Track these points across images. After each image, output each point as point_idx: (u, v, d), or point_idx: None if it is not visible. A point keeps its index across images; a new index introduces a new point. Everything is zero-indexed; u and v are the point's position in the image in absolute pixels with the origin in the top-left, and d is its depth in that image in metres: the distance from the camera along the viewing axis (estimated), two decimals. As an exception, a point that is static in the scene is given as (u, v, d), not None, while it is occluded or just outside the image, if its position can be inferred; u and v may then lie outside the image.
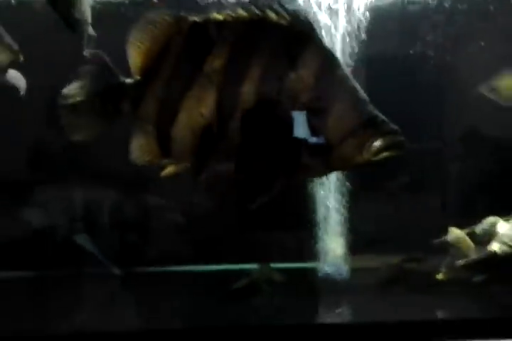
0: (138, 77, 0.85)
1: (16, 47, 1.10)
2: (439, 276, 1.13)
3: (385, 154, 0.79)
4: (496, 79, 1.39)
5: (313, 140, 0.79)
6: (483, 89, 1.36)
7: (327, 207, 1.22)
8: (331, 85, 0.81)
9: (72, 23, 0.99)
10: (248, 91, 0.81)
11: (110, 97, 0.85)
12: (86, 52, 0.91)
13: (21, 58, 1.09)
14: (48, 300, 1.17)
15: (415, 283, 1.18)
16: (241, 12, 0.82)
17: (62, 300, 1.15)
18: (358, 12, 1.22)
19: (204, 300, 1.12)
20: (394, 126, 0.81)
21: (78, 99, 0.86)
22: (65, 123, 0.86)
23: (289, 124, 0.80)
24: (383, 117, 0.81)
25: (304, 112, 0.80)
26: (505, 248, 1.07)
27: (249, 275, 1.11)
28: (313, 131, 0.79)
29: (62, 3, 1.00)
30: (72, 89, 0.86)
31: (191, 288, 1.22)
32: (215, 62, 0.82)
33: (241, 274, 1.12)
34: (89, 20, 1.03)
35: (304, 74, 0.80)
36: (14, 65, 1.09)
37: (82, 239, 1.32)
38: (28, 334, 0.94)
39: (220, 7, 0.86)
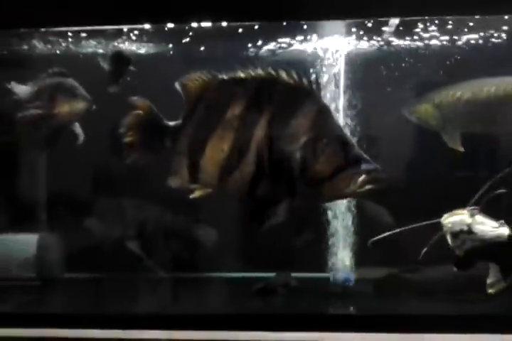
0: (178, 120, 1.08)
1: (89, 97, 1.31)
2: (491, 290, 1.18)
3: (367, 187, 0.98)
4: (417, 103, 1.46)
5: (311, 172, 0.98)
6: (405, 112, 1.44)
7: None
8: (324, 131, 1.01)
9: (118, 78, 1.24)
10: (259, 133, 1.01)
11: (156, 136, 1.09)
12: (134, 100, 1.14)
13: (94, 106, 1.31)
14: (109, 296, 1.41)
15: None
16: (259, 71, 1.04)
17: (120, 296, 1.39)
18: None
19: (230, 298, 1.36)
20: (375, 165, 1.00)
21: (134, 137, 1.11)
22: (125, 154, 1.12)
23: (291, 160, 1.00)
24: (367, 157, 1.01)
25: (304, 151, 0.99)
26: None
27: (268, 280, 1.32)
28: (310, 167, 0.99)
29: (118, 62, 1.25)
30: (130, 129, 1.11)
31: (224, 289, 1.45)
32: (235, 111, 1.04)
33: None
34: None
35: (303, 122, 1.01)
36: (88, 112, 1.31)
37: (133, 246, 1.54)
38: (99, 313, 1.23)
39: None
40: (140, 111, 1.09)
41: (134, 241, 1.54)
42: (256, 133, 1.01)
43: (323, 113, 1.03)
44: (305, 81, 1.01)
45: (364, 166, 0.99)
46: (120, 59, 1.26)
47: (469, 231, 1.13)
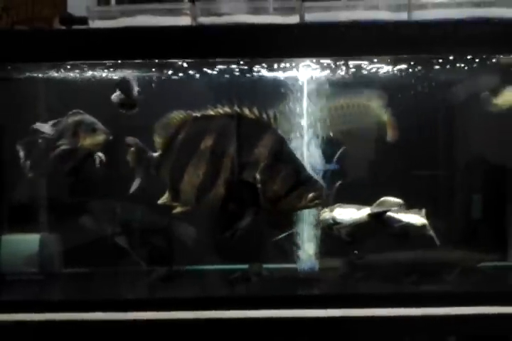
0: (159, 152, 1.30)
1: (107, 130, 1.43)
2: None
3: (316, 202, 1.21)
4: None
5: (269, 191, 1.21)
6: None
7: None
8: (280, 157, 1.22)
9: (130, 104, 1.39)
10: (227, 161, 1.23)
11: (143, 164, 1.31)
12: (128, 139, 1.35)
13: (111, 137, 1.43)
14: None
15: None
16: (226, 109, 1.25)
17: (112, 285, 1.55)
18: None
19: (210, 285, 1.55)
20: (322, 184, 1.23)
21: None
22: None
23: (254, 182, 1.21)
24: (316, 177, 1.24)
25: (263, 175, 1.21)
26: None
27: (243, 271, 1.51)
28: (269, 187, 1.21)
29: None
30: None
31: (204, 278, 1.63)
32: (207, 142, 1.25)
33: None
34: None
35: (262, 151, 1.22)
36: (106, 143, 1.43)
37: (121, 241, 1.69)
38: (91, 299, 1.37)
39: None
40: (133, 149, 1.32)
41: (122, 238, 1.69)
42: (225, 161, 1.24)
43: (279, 142, 1.24)
44: (264, 116, 1.22)
45: (312, 185, 1.21)
46: (126, 86, 1.40)
47: (336, 223, 1.40)
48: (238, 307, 1.28)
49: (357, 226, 1.41)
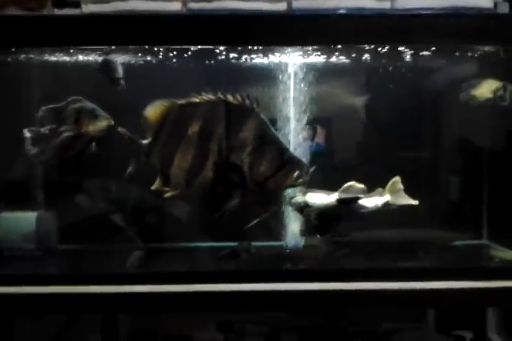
0: (148, 139, 1.35)
1: (108, 116, 1.45)
2: None
3: (300, 180, 1.27)
4: None
5: (256, 173, 1.28)
6: None
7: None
8: (264, 140, 1.28)
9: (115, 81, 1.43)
10: (213, 145, 1.29)
11: (134, 152, 1.36)
12: (120, 130, 1.39)
13: (112, 123, 1.45)
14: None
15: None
16: (210, 96, 1.29)
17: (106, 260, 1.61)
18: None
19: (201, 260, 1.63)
20: (305, 163, 1.29)
21: None
22: None
23: (241, 165, 1.28)
24: (298, 157, 1.30)
25: (250, 157, 1.27)
26: None
27: (233, 248, 1.58)
28: (256, 169, 1.28)
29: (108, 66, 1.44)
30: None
31: (194, 255, 1.70)
32: (193, 129, 1.30)
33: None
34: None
35: (247, 135, 1.28)
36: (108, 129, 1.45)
37: (117, 218, 1.74)
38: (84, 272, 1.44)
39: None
40: (126, 137, 1.37)
41: (117, 216, 1.74)
42: (212, 146, 1.29)
43: (263, 126, 1.29)
44: (247, 101, 1.27)
45: (296, 164, 1.27)
46: (108, 66, 1.44)
47: (307, 206, 1.47)
48: (228, 281, 1.35)
49: (325, 211, 1.48)
